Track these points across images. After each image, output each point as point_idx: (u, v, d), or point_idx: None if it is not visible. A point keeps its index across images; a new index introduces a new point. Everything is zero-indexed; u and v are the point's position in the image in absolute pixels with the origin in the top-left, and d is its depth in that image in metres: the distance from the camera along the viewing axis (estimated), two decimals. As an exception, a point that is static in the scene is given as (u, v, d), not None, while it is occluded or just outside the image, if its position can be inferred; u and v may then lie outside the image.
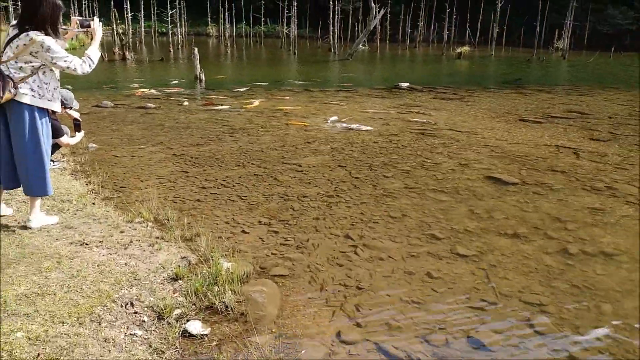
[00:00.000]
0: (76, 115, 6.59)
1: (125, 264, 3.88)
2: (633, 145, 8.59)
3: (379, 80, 17.31)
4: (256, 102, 12.24)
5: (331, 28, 31.76)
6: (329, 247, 4.60)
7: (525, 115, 11.20)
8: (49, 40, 4.03)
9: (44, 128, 4.24)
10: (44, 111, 4.24)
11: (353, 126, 9.62)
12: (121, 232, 4.48)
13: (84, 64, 4.23)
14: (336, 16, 32.10)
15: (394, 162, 7.36)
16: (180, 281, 3.73)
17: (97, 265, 3.80)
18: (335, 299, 3.74)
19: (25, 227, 4.39)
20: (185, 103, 12.25)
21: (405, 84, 15.76)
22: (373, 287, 3.91)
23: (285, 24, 37.09)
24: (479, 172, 6.93)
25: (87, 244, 4.15)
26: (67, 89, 6.53)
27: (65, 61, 4.11)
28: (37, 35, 4.00)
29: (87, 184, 5.92)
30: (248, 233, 4.83)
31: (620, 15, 41.66)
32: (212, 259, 4.05)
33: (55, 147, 6.33)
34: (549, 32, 37.07)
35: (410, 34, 39.45)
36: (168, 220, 4.90)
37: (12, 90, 3.93)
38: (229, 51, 30.90)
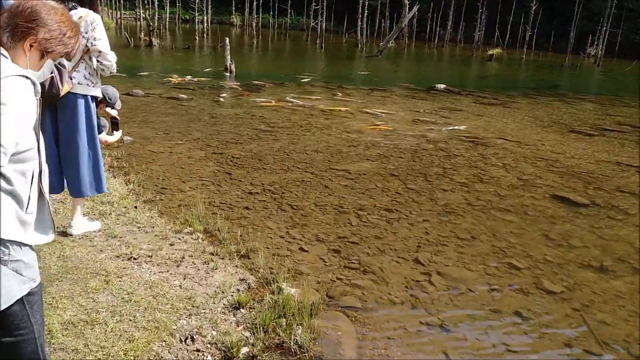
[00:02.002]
0: (115, 113, 6.17)
1: (180, 286, 3.42)
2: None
3: (413, 81, 16.72)
4: (298, 101, 11.75)
5: (359, 23, 31.12)
6: (399, 273, 4.11)
7: (575, 126, 10.60)
8: (97, 18, 3.61)
9: (95, 119, 3.85)
10: (94, 100, 3.83)
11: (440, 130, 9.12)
12: (170, 244, 4.03)
13: (114, 65, 3.80)
14: (365, 11, 31.44)
15: (448, 173, 6.84)
16: (242, 310, 3.27)
17: (150, 287, 3.35)
18: (418, 340, 3.26)
19: (65, 234, 3.96)
20: (224, 95, 11.80)
21: (442, 86, 15.17)
22: (460, 329, 3.42)
23: (312, 17, 36.50)
24: (543, 189, 6.40)
25: (135, 259, 3.70)
26: (112, 86, 6.09)
27: (105, 46, 3.67)
28: (88, 13, 3.57)
29: (126, 183, 5.48)
30: (307, 251, 4.36)
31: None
32: (274, 282, 3.59)
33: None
34: (579, 38, 36.05)
35: (439, 33, 38.62)
36: (219, 231, 4.44)
37: (69, 81, 3.50)
38: (254, 42, 30.41)
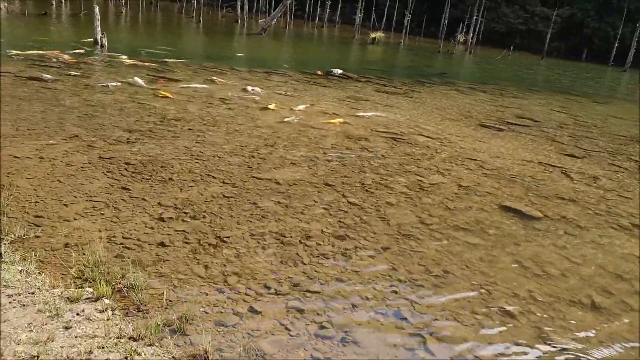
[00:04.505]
0: None
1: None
2: (611, 165, 8.05)
3: (307, 64, 15.78)
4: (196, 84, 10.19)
5: (239, -2, 29.42)
6: (387, 341, 3.16)
7: (482, 120, 10.41)
8: None
9: None
10: None
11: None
12: (66, 327, 2.68)
13: None
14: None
15: (385, 180, 6.02)
16: None
17: None
18: None
19: None
20: (99, 76, 9.87)
21: (338, 71, 14.42)
22: None
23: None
24: (488, 199, 5.85)
25: (11, 366, 2.33)
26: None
27: None
28: None
29: (-20, 212, 3.88)
30: (260, 313, 3.23)
31: (512, 14, 43.59)
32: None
33: None
34: (449, 25, 37.60)
35: (319, 13, 38.00)
36: (134, 290, 3.15)
37: None
38: (123, 11, 27.33)
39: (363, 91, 12.12)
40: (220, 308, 3.22)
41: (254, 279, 3.61)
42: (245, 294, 3.41)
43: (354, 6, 37.36)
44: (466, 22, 35.04)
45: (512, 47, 33.24)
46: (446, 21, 37.20)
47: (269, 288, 3.52)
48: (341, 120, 8.66)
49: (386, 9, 38.72)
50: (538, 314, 3.69)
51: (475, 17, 33.15)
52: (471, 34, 32.35)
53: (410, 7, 36.59)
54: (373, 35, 27.50)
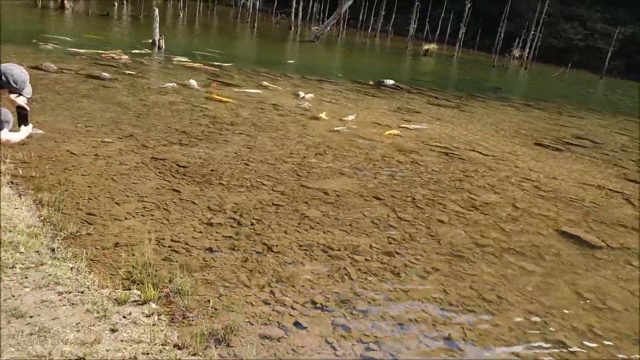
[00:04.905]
0: (23, 102, 4.54)
1: None
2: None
3: (358, 73, 15.67)
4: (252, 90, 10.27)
5: (294, 4, 29.64)
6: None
7: (538, 138, 10.02)
8: None
9: None
10: None
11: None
12: (112, 329, 2.66)
13: None
14: (301, -8, 30.01)
15: (436, 196, 5.85)
16: None
17: None
18: None
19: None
20: (155, 76, 10.08)
21: (390, 82, 14.24)
22: None
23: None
24: (545, 222, 5.58)
25: (58, 367, 2.31)
26: (18, 65, 4.43)
27: None
28: None
29: (37, 207, 3.95)
30: (306, 328, 3.14)
31: (571, 30, 42.31)
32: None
33: (-12, 142, 4.27)
34: (505, 40, 36.76)
35: (372, 23, 37.89)
36: (180, 296, 3.11)
37: None
38: (180, 15, 27.99)
39: (415, 103, 11.92)
40: (266, 320, 3.14)
41: (300, 292, 3.52)
42: (292, 307, 3.33)
43: (407, 17, 37.10)
44: (522, 37, 34.19)
45: (569, 64, 32.20)
46: (502, 35, 36.39)
47: (315, 303, 3.43)
48: (392, 131, 8.52)
49: (440, 21, 38.25)
50: (599, 352, 3.45)
51: (532, 32, 32.28)
52: (527, 49, 31.52)
53: (465, 20, 36.00)
54: (426, 46, 27.20)
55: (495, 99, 14.95)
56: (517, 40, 34.32)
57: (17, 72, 4.25)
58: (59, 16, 19.06)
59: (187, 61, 12.53)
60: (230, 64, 13.07)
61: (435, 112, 11.19)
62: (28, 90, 4.43)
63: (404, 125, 9.06)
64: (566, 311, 3.87)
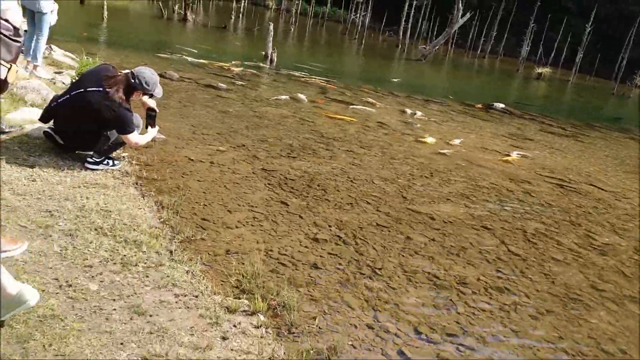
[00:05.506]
0: (153, 104, 4.86)
1: None
2: None
3: (466, 94, 15.24)
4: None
5: (402, 23, 29.58)
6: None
7: (666, 177, 9.16)
8: None
9: None
10: None
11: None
12: (223, 337, 2.72)
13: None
14: (411, 10, 29.91)
15: (550, 231, 5.49)
16: None
17: None
18: None
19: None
20: (266, 89, 10.45)
21: (500, 105, 13.73)
22: None
23: (352, 10, 35.01)
24: (676, 272, 5.03)
25: (174, 368, 2.40)
26: (148, 67, 4.77)
27: None
28: None
29: (157, 209, 4.18)
30: None
31: None
32: None
33: (118, 144, 4.62)
34: (628, 66, 34.21)
35: (481, 43, 36.90)
36: (287, 311, 3.14)
37: None
38: (291, 29, 28.89)
39: (526, 129, 11.38)
40: (369, 345, 3.08)
41: (404, 320, 3.43)
42: (395, 335, 3.24)
43: (520, 38, 35.74)
44: (649, 64, 31.66)
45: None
46: (624, 61, 33.98)
47: (419, 333, 3.32)
48: (502, 158, 8.17)
49: (556, 44, 36.44)
50: None
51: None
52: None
53: (584, 44, 34.04)
54: (539, 70, 25.98)
55: (615, 130, 13.94)
56: (641, 67, 31.86)
57: (148, 74, 4.56)
58: (182, 27, 20.38)
59: (297, 75, 12.87)
60: (337, 80, 13.25)
61: (549, 140, 10.61)
62: (159, 91, 4.74)
63: (514, 152, 8.66)
64: (701, 376, 3.46)
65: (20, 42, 2.16)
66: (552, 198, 6.65)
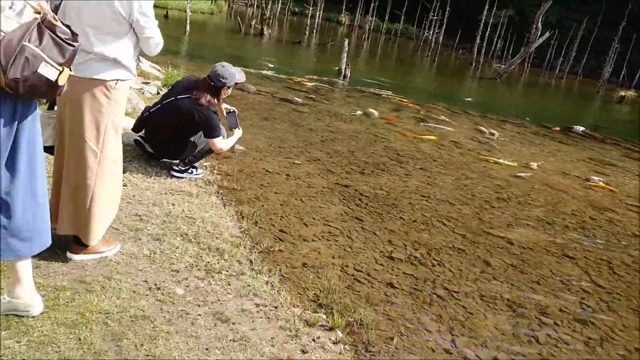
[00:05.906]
0: (230, 108, 4.99)
1: None
2: None
3: (542, 116, 14.73)
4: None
5: (477, 41, 29.08)
6: None
7: None
8: None
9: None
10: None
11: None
12: (302, 350, 2.74)
13: None
14: (487, 30, 29.36)
15: (637, 262, 5.18)
16: None
17: None
18: None
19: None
20: (341, 104, 10.56)
21: (580, 128, 13.18)
22: None
23: (425, 27, 34.80)
24: None
25: (257, 378, 2.44)
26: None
27: None
28: None
29: (237, 219, 4.29)
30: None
31: None
32: None
33: (203, 154, 4.79)
34: None
35: (559, 63, 35.60)
36: (364, 329, 3.13)
37: None
38: (364, 45, 29.05)
39: (609, 154, 10.84)
40: (450, 375, 3.02)
41: (482, 347, 3.33)
42: (474, 363, 3.15)
43: (601, 59, 34.22)
44: None
45: None
46: None
47: (499, 362, 3.21)
48: (583, 184, 7.82)
49: (641, 66, 34.57)
50: None
51: None
52: None
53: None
54: (622, 92, 24.72)
55: None
56: None
57: (220, 69, 4.58)
58: (258, 42, 20.96)
59: (371, 91, 12.92)
60: (410, 97, 13.17)
61: (634, 166, 10.06)
62: (239, 76, 4.70)
63: (596, 179, 8.27)
64: None
65: (75, 47, 2.14)
66: (638, 229, 6.29)
